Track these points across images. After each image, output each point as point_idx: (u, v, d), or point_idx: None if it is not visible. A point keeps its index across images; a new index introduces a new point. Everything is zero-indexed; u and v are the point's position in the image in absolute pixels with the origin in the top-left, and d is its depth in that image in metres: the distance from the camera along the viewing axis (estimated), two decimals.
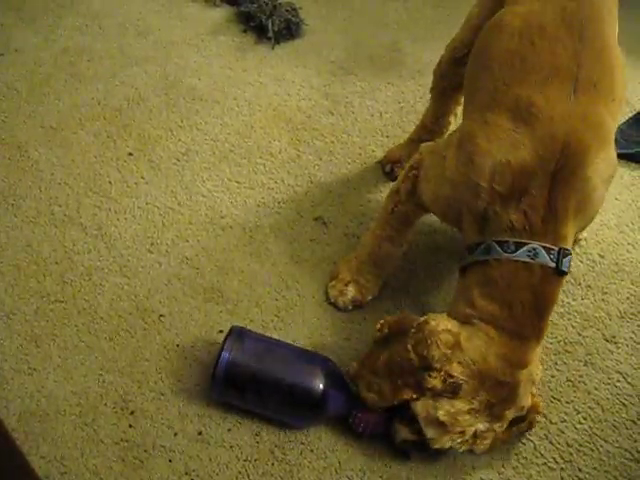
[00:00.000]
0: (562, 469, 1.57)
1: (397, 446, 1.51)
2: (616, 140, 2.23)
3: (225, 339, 1.54)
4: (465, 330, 1.42)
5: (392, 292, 1.81)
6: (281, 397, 1.52)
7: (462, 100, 1.95)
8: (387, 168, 2.11)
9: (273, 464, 1.52)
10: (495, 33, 1.56)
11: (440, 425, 1.40)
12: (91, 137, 2.16)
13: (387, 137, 2.21)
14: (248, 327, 1.69)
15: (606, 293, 1.88)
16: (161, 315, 1.74)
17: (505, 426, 1.45)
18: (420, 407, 1.41)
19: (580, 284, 1.88)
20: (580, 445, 1.60)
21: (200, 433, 1.56)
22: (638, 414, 1.66)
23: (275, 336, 1.67)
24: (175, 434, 1.55)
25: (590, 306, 1.85)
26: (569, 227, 1.41)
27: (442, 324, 1.42)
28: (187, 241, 1.90)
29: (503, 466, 1.56)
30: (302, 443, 1.55)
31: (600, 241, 2.00)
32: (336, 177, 2.09)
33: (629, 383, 1.71)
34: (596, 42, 1.47)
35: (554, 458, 1.58)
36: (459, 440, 1.41)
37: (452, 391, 1.39)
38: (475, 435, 1.42)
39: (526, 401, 1.47)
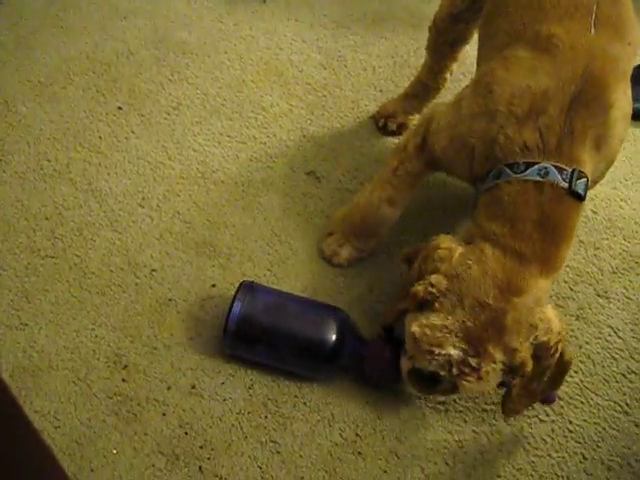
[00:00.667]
0: (553, 421, 1.58)
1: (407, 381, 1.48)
2: None
3: (236, 293, 1.53)
4: (463, 247, 1.38)
5: (386, 245, 1.80)
6: (294, 349, 1.52)
7: (459, 57, 1.94)
8: (380, 122, 2.08)
9: (266, 417, 1.53)
10: None
11: (413, 340, 1.35)
12: (80, 91, 2.12)
13: (380, 91, 2.19)
14: (240, 281, 1.69)
15: (598, 248, 1.88)
16: (153, 270, 1.73)
17: (495, 370, 1.32)
18: (407, 320, 1.41)
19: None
20: (570, 398, 1.61)
21: (193, 387, 1.56)
22: (628, 368, 1.67)
23: None
24: (168, 388, 1.56)
25: (582, 261, 1.85)
26: (586, 151, 1.36)
27: (444, 242, 1.40)
28: (178, 195, 1.88)
29: (494, 418, 1.57)
30: (295, 396, 1.56)
31: (593, 197, 2.00)
32: (329, 131, 2.07)
33: (620, 337, 1.72)
34: None
35: (545, 411, 1.59)
36: (433, 362, 1.33)
37: (432, 303, 1.33)
38: (449, 364, 1.32)
39: (517, 343, 1.31)
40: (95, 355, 1.59)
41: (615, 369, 1.67)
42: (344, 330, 1.54)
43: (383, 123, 2.08)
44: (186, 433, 1.50)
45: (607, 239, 1.90)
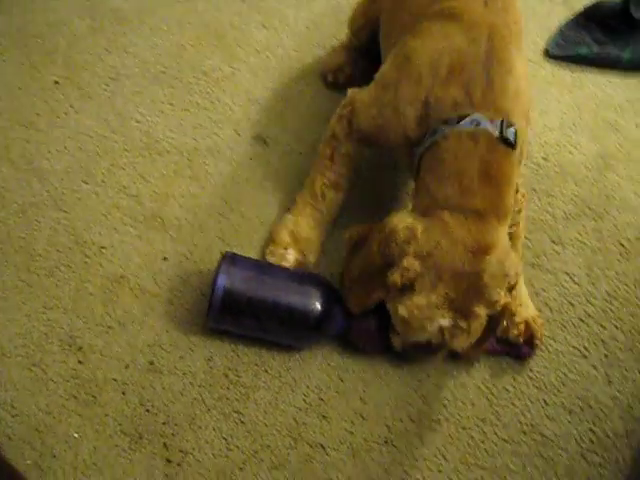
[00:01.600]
0: (514, 370, 1.59)
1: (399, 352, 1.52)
2: (557, 42, 2.23)
3: (218, 266, 1.49)
4: (422, 222, 1.38)
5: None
6: (280, 320, 1.49)
7: None
8: (329, 77, 2.05)
9: (228, 388, 1.52)
10: None
11: (403, 321, 1.39)
12: (13, 67, 2.04)
13: (324, 49, 2.14)
14: (192, 252, 1.66)
15: (551, 195, 1.89)
16: (102, 247, 1.69)
17: (482, 323, 1.38)
18: (389, 305, 1.43)
19: (525, 188, 1.88)
20: None
21: (152, 363, 1.53)
22: (585, 312, 1.69)
23: None
24: (126, 366, 1.53)
25: (536, 209, 1.85)
26: (509, 102, 1.44)
27: (402, 221, 1.39)
28: (123, 169, 1.83)
29: (457, 371, 1.58)
30: (256, 364, 1.54)
31: (543, 144, 2.00)
32: (273, 93, 2.02)
33: (576, 283, 1.73)
34: None
35: (506, 361, 1.60)
36: (425, 335, 1.40)
37: (411, 285, 1.36)
38: (441, 331, 1.38)
39: (497, 295, 1.37)
40: (48, 339, 1.55)
41: (572, 314, 1.68)
42: (330, 298, 1.52)
43: (333, 77, 2.05)
44: (148, 411, 1.48)
45: (559, 186, 1.90)
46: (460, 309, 1.36)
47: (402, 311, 1.38)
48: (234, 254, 1.55)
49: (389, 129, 1.54)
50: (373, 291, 1.44)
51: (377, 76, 1.62)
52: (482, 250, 1.35)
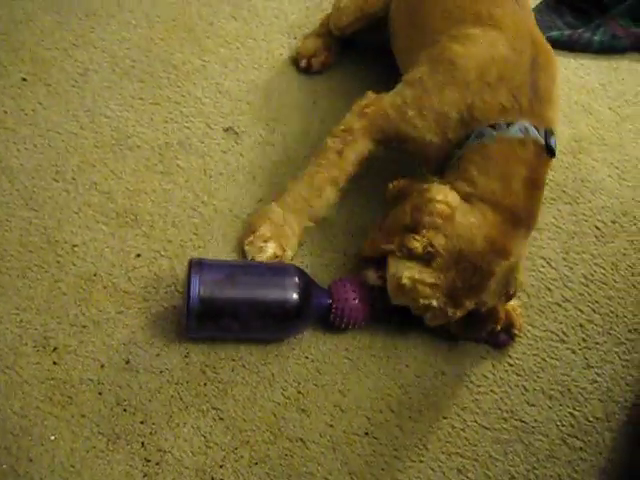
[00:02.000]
0: (493, 357, 1.59)
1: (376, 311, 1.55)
2: None
3: (188, 273, 1.46)
4: (462, 205, 1.42)
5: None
6: (259, 316, 1.48)
7: None
8: (303, 63, 2.04)
9: (205, 384, 1.50)
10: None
11: (399, 287, 1.43)
12: None
13: (295, 39, 2.12)
14: (166, 248, 1.64)
15: None
16: (74, 245, 1.66)
17: (461, 314, 1.44)
18: (392, 262, 1.46)
19: None
20: (508, 333, 1.62)
21: (127, 362, 1.51)
22: (562, 296, 1.69)
23: (195, 254, 1.63)
24: (102, 366, 1.51)
25: None
26: (552, 111, 1.50)
27: (443, 194, 1.42)
28: (94, 166, 1.80)
29: (436, 360, 1.58)
30: (233, 360, 1.53)
31: None
32: (244, 84, 2.00)
33: (553, 267, 1.73)
34: None
35: (485, 348, 1.60)
36: (410, 303, 1.45)
37: (426, 259, 1.40)
38: (427, 308, 1.43)
39: (491, 299, 1.44)
40: (22, 340, 1.53)
41: (550, 299, 1.68)
42: (304, 285, 1.51)
43: (306, 63, 2.04)
44: (125, 410, 1.46)
45: None
46: (455, 299, 1.41)
47: (405, 276, 1.41)
48: (200, 259, 1.52)
49: (428, 130, 1.55)
50: (389, 243, 1.46)
51: (409, 79, 1.61)
52: (503, 254, 1.39)
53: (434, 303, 1.41)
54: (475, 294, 1.41)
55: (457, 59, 1.53)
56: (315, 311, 1.53)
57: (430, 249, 1.39)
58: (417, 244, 1.39)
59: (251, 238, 1.64)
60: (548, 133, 1.46)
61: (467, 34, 1.55)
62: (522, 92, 1.47)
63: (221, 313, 1.46)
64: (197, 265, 1.49)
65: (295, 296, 1.48)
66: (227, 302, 1.46)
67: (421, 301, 1.41)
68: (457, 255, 1.39)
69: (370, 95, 1.66)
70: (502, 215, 1.41)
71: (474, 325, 1.51)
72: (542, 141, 1.45)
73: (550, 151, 1.46)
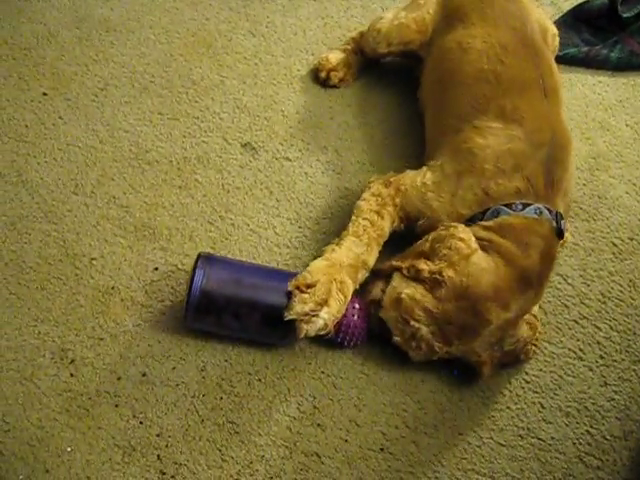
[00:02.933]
0: (509, 374, 1.58)
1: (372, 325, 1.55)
2: None
3: (195, 265, 1.49)
4: (481, 252, 1.47)
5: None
6: (259, 318, 1.49)
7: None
8: (322, 74, 2.07)
9: (222, 398, 1.50)
10: (457, 52, 1.76)
11: (396, 301, 1.46)
12: (1, 79, 2.03)
13: (312, 55, 2.14)
14: (183, 262, 1.66)
15: None
16: (92, 258, 1.68)
17: (446, 353, 1.47)
18: (397, 278, 1.50)
19: None
20: None
21: (144, 374, 1.52)
22: (579, 313, 1.68)
23: None
24: (119, 378, 1.52)
25: None
26: (563, 201, 1.56)
27: (464, 233, 1.48)
28: (113, 179, 1.82)
29: (451, 376, 1.57)
30: (249, 374, 1.53)
31: None
32: (262, 100, 2.02)
33: (569, 284, 1.72)
34: (546, 54, 1.72)
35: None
36: (399, 326, 1.47)
37: (431, 285, 1.43)
38: (414, 337, 1.45)
39: (481, 349, 1.46)
40: (40, 352, 1.54)
41: (567, 316, 1.68)
42: None
43: (326, 75, 2.07)
44: (141, 423, 1.46)
45: None
46: (445, 333, 1.44)
47: (405, 292, 1.45)
48: (210, 253, 1.55)
49: (441, 210, 1.60)
50: (401, 260, 1.52)
51: (432, 164, 1.67)
52: (504, 306, 1.43)
53: (423, 330, 1.44)
54: (466, 337, 1.44)
55: (476, 150, 1.59)
56: None
57: (437, 276, 1.43)
58: (425, 267, 1.45)
59: (305, 296, 1.46)
60: (559, 216, 1.52)
61: (489, 127, 1.61)
62: (537, 179, 1.53)
63: (221, 309, 1.48)
64: (205, 259, 1.51)
65: None
66: (229, 299, 1.48)
67: (411, 323, 1.44)
68: (460, 291, 1.42)
69: (391, 173, 1.70)
70: (515, 272, 1.45)
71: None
72: (554, 223, 1.50)
73: (560, 234, 1.51)
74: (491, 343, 1.47)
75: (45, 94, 2.00)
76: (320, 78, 2.07)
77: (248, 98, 2.02)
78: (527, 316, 1.52)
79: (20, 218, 1.74)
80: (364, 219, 1.60)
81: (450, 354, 1.47)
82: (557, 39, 1.94)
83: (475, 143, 1.61)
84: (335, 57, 2.08)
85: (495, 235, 1.50)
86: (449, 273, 1.43)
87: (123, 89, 2.03)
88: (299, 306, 1.44)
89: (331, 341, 1.55)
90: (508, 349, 1.51)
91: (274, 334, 1.52)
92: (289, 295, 1.46)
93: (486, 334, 1.44)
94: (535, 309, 1.58)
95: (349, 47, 2.10)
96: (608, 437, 1.53)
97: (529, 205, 1.51)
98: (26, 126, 1.93)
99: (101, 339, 1.56)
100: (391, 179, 1.67)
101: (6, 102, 1.98)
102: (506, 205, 1.52)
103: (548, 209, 1.51)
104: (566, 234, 1.62)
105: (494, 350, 1.49)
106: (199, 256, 1.51)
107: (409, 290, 1.45)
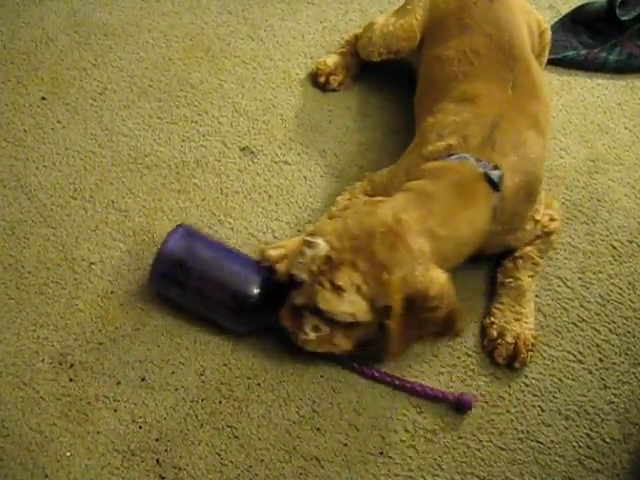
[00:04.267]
0: (509, 377, 1.58)
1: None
2: None
3: (169, 233, 1.54)
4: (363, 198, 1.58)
5: None
6: (221, 298, 1.52)
7: None
8: (322, 79, 2.07)
9: (221, 402, 1.50)
10: (436, 64, 1.81)
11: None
12: None
13: (311, 59, 2.14)
14: None
15: None
16: (92, 263, 1.68)
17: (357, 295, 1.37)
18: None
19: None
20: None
21: (143, 379, 1.52)
22: (579, 316, 1.68)
23: None
24: (118, 383, 1.51)
25: None
26: (504, 160, 1.52)
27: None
28: (111, 184, 1.82)
29: (451, 380, 1.57)
30: (248, 378, 1.53)
31: None
32: (261, 104, 2.02)
33: (569, 287, 1.72)
34: (520, 55, 1.73)
35: (500, 368, 1.59)
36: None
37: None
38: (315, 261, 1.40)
39: (385, 279, 1.36)
40: (39, 357, 1.54)
41: (566, 319, 1.67)
42: (271, 287, 1.53)
43: (325, 80, 2.07)
44: (140, 427, 1.46)
45: (549, 190, 1.89)
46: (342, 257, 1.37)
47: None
48: (188, 226, 1.60)
49: (394, 187, 1.60)
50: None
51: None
52: (400, 240, 1.38)
53: (320, 243, 1.39)
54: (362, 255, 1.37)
55: (426, 126, 1.66)
56: (273, 318, 1.51)
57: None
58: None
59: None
60: (491, 166, 1.50)
61: (443, 107, 1.66)
62: (473, 138, 1.54)
63: (186, 280, 1.51)
64: (183, 229, 1.56)
65: (257, 294, 1.51)
66: (193, 272, 1.52)
67: (299, 258, 1.41)
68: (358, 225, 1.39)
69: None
70: (413, 195, 1.46)
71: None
72: (481, 170, 1.48)
73: (490, 180, 1.48)
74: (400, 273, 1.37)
75: (44, 98, 2.01)
76: (319, 82, 2.07)
77: (247, 102, 2.02)
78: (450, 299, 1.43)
79: (19, 222, 1.74)
80: (338, 210, 1.64)
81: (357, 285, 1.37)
82: (548, 34, 1.96)
83: (427, 122, 1.66)
84: (333, 61, 2.09)
85: (411, 181, 1.53)
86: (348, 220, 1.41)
87: (122, 93, 2.03)
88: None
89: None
90: (417, 295, 1.39)
91: (229, 317, 1.54)
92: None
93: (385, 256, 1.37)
94: None
95: (345, 50, 2.11)
96: (608, 440, 1.53)
97: (454, 155, 1.53)
98: (25, 130, 1.93)
99: (100, 343, 1.56)
100: (366, 173, 1.76)
101: (4, 106, 1.98)
102: (433, 160, 1.55)
103: (477, 159, 1.50)
104: (546, 211, 1.69)
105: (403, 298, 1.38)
106: (178, 226, 1.56)
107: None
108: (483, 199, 1.49)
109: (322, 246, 1.39)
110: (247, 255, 1.63)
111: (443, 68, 1.77)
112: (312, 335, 1.47)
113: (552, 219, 1.70)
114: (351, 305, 1.38)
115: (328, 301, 1.38)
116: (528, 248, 1.68)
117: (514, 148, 1.55)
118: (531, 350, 1.58)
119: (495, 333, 1.60)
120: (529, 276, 1.67)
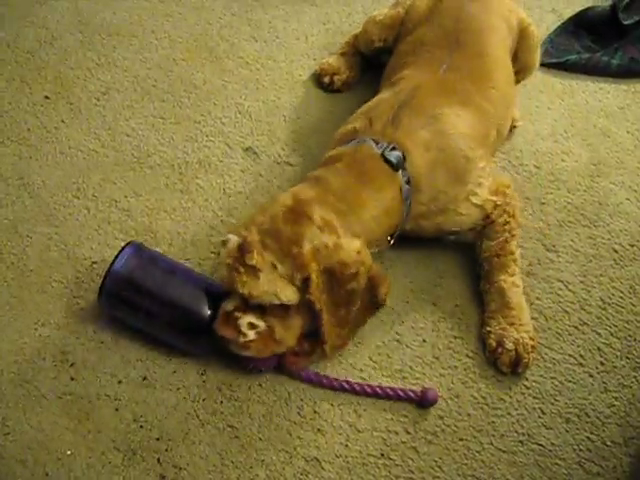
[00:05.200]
0: (510, 380, 1.58)
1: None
2: (547, 50, 2.24)
3: (120, 250, 1.50)
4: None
5: None
6: (170, 318, 1.49)
7: None
8: (326, 79, 2.09)
9: (222, 402, 1.50)
10: (393, 57, 1.90)
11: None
12: (3, 83, 2.05)
13: (314, 60, 2.15)
14: (186, 265, 1.66)
15: (544, 203, 1.88)
16: (94, 262, 1.68)
17: (274, 273, 1.40)
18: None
19: (518, 195, 1.88)
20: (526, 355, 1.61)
21: (145, 378, 1.52)
22: (580, 320, 1.68)
23: (213, 273, 1.64)
24: (119, 382, 1.52)
25: (529, 217, 1.85)
26: (411, 142, 1.57)
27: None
28: (114, 183, 1.83)
29: (452, 382, 1.57)
30: (250, 378, 1.53)
31: (535, 152, 2.00)
32: (264, 105, 2.03)
33: (570, 290, 1.72)
34: (471, 45, 1.77)
35: (501, 370, 1.59)
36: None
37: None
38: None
39: (297, 252, 1.39)
40: (41, 355, 1.54)
41: (567, 322, 1.67)
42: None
43: (329, 80, 2.09)
44: (141, 426, 1.46)
45: (552, 193, 1.90)
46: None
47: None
48: (140, 244, 1.55)
49: None
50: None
51: None
52: (302, 215, 1.43)
53: (231, 238, 1.43)
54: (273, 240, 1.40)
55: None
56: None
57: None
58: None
59: None
60: (389, 147, 1.55)
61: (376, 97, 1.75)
62: (379, 119, 1.60)
63: (134, 298, 1.48)
64: (133, 246, 1.52)
65: (208, 313, 1.48)
66: (143, 291, 1.48)
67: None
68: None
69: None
70: (311, 181, 1.53)
71: None
72: (377, 151, 1.54)
73: (387, 160, 1.54)
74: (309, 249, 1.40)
75: (47, 98, 2.01)
76: (323, 82, 2.09)
77: (250, 103, 2.03)
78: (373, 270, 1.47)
79: (22, 221, 1.74)
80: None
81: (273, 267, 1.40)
82: (530, 31, 1.95)
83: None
84: (336, 61, 2.11)
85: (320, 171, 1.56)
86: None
87: (125, 93, 2.03)
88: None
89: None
90: (332, 266, 1.41)
91: (181, 338, 1.52)
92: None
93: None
94: None
95: (345, 50, 2.14)
96: (608, 443, 1.53)
97: (353, 140, 1.59)
98: (28, 129, 1.93)
99: (102, 342, 1.56)
100: None
101: (8, 105, 1.99)
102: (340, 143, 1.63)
103: (376, 141, 1.56)
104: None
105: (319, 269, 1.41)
106: (128, 243, 1.52)
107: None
108: (385, 178, 1.54)
109: (232, 239, 1.43)
110: (200, 275, 1.61)
111: (395, 61, 1.85)
112: (251, 334, 1.44)
113: (497, 205, 1.66)
114: (270, 284, 1.39)
115: (246, 284, 1.39)
116: (490, 243, 1.66)
117: (425, 125, 1.60)
118: (531, 352, 1.58)
119: (494, 343, 1.59)
120: (507, 274, 1.64)
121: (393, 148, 1.55)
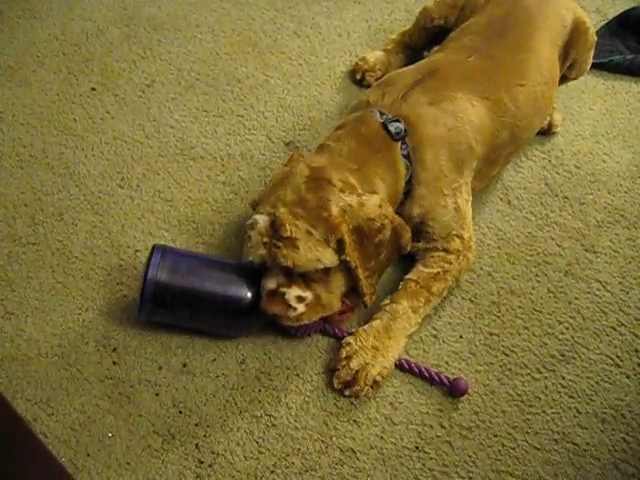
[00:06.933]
0: (546, 378, 1.58)
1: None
2: None
3: (149, 258, 1.51)
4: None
5: None
6: (213, 308, 1.51)
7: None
8: (358, 76, 2.11)
9: (260, 390, 1.53)
10: (443, 45, 1.88)
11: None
12: (51, 74, 2.09)
13: (356, 57, 2.16)
14: (227, 255, 1.68)
15: (583, 204, 1.88)
16: (137, 250, 1.71)
17: (311, 240, 1.45)
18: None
19: (557, 195, 1.88)
20: (562, 355, 1.61)
21: (185, 365, 1.55)
22: (618, 320, 1.67)
23: None
24: (160, 368, 1.55)
25: (568, 217, 1.84)
26: (413, 111, 1.61)
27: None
28: (158, 174, 1.86)
29: (488, 378, 1.57)
30: (288, 368, 1.55)
31: (576, 152, 1.99)
32: (306, 100, 2.05)
33: (608, 291, 1.72)
34: (514, 37, 1.76)
35: (537, 368, 1.59)
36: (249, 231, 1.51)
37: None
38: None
39: (328, 215, 1.45)
40: (84, 340, 1.58)
41: (605, 322, 1.67)
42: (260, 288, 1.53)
43: (361, 76, 2.11)
44: (180, 412, 1.49)
45: (591, 194, 1.89)
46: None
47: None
48: (164, 246, 1.56)
49: None
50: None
51: None
52: (324, 180, 1.49)
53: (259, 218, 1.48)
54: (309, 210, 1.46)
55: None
56: (264, 316, 1.52)
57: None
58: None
59: None
60: (391, 119, 1.59)
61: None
62: (392, 94, 1.64)
63: (175, 301, 1.50)
64: (159, 250, 1.52)
65: (249, 296, 1.51)
66: (181, 292, 1.50)
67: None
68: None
69: None
70: (321, 149, 1.59)
71: None
72: (380, 120, 1.59)
73: (387, 130, 1.58)
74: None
75: (93, 89, 2.05)
76: (356, 78, 2.11)
77: (292, 98, 2.05)
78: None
79: (67, 209, 1.78)
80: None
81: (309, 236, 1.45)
82: (586, 31, 1.91)
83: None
84: (373, 57, 2.12)
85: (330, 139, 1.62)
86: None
87: (169, 86, 2.07)
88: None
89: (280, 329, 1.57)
90: (359, 223, 1.48)
91: (226, 325, 1.55)
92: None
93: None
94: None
95: (390, 47, 2.14)
96: None
97: (360, 110, 1.65)
98: (74, 120, 1.97)
99: (143, 329, 1.59)
100: None
101: (55, 96, 2.03)
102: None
103: (382, 112, 1.61)
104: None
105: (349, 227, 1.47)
106: (153, 248, 1.52)
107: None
108: (387, 145, 1.58)
109: (261, 219, 1.49)
110: (225, 260, 1.62)
111: (441, 49, 1.84)
112: (300, 307, 1.49)
113: (463, 242, 1.67)
114: (311, 251, 1.45)
115: (288, 256, 1.44)
116: (421, 269, 1.65)
117: (435, 102, 1.63)
118: (371, 386, 1.53)
119: (345, 353, 1.54)
120: (412, 305, 1.60)
121: (396, 120, 1.59)
